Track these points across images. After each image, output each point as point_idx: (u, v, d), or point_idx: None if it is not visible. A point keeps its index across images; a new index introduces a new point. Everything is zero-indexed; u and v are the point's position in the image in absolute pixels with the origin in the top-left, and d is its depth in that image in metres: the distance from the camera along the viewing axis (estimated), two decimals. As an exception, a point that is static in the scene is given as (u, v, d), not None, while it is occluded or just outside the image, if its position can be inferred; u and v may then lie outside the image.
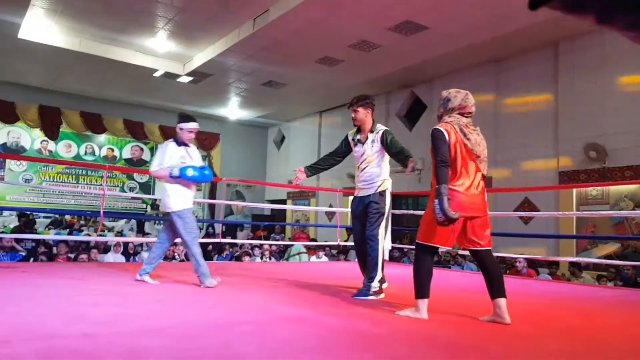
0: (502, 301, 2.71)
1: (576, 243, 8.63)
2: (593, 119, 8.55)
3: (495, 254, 6.66)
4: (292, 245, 8.47)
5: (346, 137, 4.02)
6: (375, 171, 3.72)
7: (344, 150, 4.04)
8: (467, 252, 8.00)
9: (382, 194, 3.68)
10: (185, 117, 3.99)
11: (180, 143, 3.97)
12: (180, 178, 3.76)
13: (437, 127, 2.86)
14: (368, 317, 2.78)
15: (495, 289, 2.75)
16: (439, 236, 2.74)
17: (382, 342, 2.22)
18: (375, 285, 3.54)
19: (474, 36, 8.85)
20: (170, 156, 3.87)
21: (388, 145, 3.69)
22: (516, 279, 6.04)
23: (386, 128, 3.81)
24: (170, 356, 1.82)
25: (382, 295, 3.56)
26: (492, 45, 9.37)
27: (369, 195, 3.71)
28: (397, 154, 3.65)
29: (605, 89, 8.37)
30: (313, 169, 4.13)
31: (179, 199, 3.82)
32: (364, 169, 3.79)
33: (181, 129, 3.93)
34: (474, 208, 2.76)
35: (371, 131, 3.78)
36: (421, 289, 2.77)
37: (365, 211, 3.68)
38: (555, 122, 9.14)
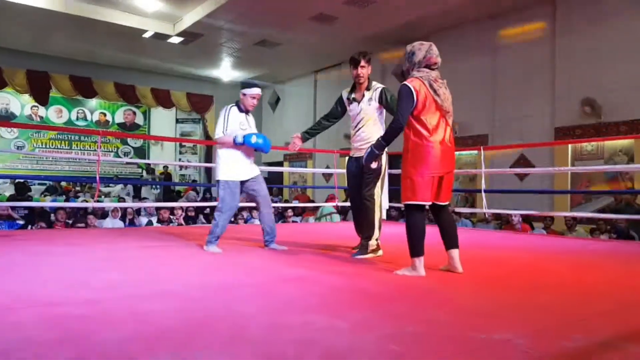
0: (455, 252, 2.91)
1: (570, 198, 8.72)
2: (590, 75, 8.46)
3: (492, 210, 6.73)
4: (323, 206, 8.47)
5: (340, 96, 3.94)
6: (372, 130, 3.64)
7: (339, 110, 3.96)
8: (461, 210, 8.01)
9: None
10: (249, 83, 3.90)
11: (242, 109, 3.89)
12: (244, 144, 3.69)
13: (405, 82, 2.86)
14: (369, 276, 2.81)
15: (450, 241, 2.92)
16: (421, 193, 2.78)
17: (383, 299, 2.26)
18: (372, 243, 3.58)
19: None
20: (232, 121, 3.80)
21: (388, 102, 3.61)
22: (511, 234, 6.13)
23: (384, 86, 3.73)
24: (174, 317, 1.84)
25: (379, 253, 3.60)
26: (488, 1, 9.16)
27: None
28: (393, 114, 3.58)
29: (602, 45, 8.27)
30: (309, 134, 4.08)
31: (227, 169, 3.78)
32: (360, 128, 3.73)
33: (244, 94, 3.85)
34: (448, 163, 2.84)
35: (367, 89, 3.69)
36: (415, 247, 2.82)
37: (361, 172, 3.63)
38: (552, 78, 9.05)
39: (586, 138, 8.22)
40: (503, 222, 8.00)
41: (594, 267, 3.37)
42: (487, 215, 8.01)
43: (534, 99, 9.31)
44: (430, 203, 2.89)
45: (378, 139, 3.05)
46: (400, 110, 2.81)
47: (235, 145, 3.72)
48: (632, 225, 7.03)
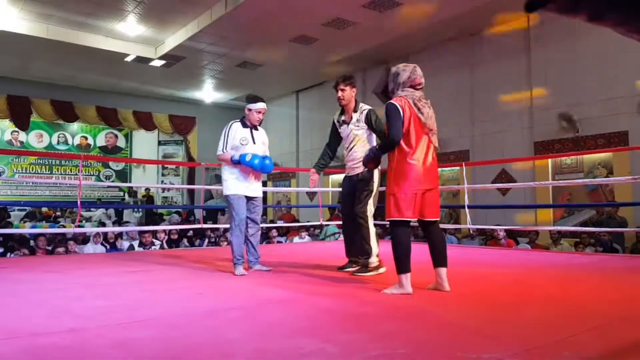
0: (443, 270, 2.92)
1: (553, 212, 8.83)
2: (566, 89, 8.66)
3: (476, 226, 6.78)
4: (328, 225, 8.44)
5: (332, 121, 4.02)
6: (364, 150, 3.69)
7: (335, 136, 4.03)
8: (446, 226, 8.05)
9: (370, 172, 3.68)
10: (254, 98, 3.88)
11: (246, 124, 3.89)
12: (240, 163, 3.70)
13: (391, 101, 2.96)
14: (356, 296, 2.80)
15: (438, 259, 2.94)
16: (405, 209, 2.84)
17: (372, 320, 2.25)
18: (373, 260, 3.61)
19: (448, 10, 8.82)
20: (233, 137, 3.81)
21: (373, 126, 3.72)
22: (496, 250, 6.17)
23: (370, 107, 3.81)
24: (160, 347, 1.80)
25: (382, 270, 3.62)
26: (465, 19, 9.36)
27: (358, 174, 3.75)
28: (381, 139, 3.65)
29: (577, 58, 8.48)
30: (322, 166, 4.15)
31: (230, 185, 3.80)
32: (352, 148, 3.81)
33: (250, 109, 3.84)
34: (430, 180, 2.91)
35: (354, 111, 3.79)
36: (402, 264, 2.83)
37: (354, 190, 3.73)
38: (529, 92, 9.24)
39: (565, 152, 8.38)
40: (488, 238, 8.05)
41: (580, 282, 3.40)
42: (471, 231, 8.07)
43: (512, 113, 9.48)
44: (414, 220, 2.93)
45: (375, 146, 3.26)
46: (393, 129, 2.88)
47: (233, 163, 3.75)
48: (615, 238, 7.13)
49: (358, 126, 3.74)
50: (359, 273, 3.58)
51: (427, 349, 1.76)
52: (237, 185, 3.81)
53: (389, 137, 2.90)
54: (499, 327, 2.08)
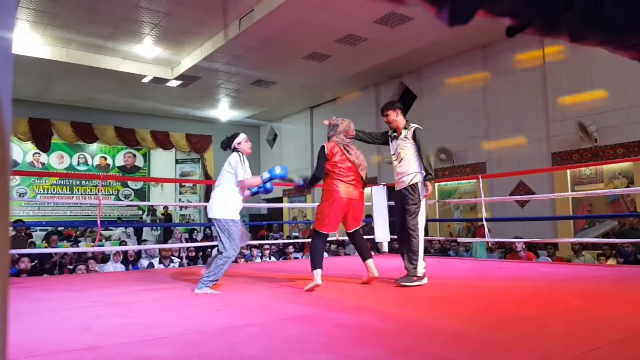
0: (370, 261, 3.87)
1: (574, 223, 8.68)
2: (583, 98, 8.58)
3: (494, 239, 6.70)
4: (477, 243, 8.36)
5: (386, 131, 4.31)
6: (409, 164, 3.97)
7: (383, 137, 4.30)
8: (465, 240, 8.02)
9: (413, 187, 3.91)
10: (235, 134, 4.16)
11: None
12: (272, 179, 3.94)
13: (323, 144, 3.91)
14: (373, 312, 2.78)
15: (364, 254, 3.90)
16: (328, 225, 3.80)
17: (389, 335, 2.23)
18: (419, 270, 3.79)
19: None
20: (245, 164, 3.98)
21: (418, 141, 3.97)
22: (516, 263, 6.07)
23: (418, 126, 4.07)
24: (178, 364, 1.81)
25: (424, 281, 3.80)
26: (478, 31, 9.37)
27: (403, 188, 3.98)
28: (421, 159, 3.94)
29: (594, 67, 8.39)
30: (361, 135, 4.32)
31: (232, 209, 3.82)
32: (400, 162, 4.06)
33: (239, 143, 4.08)
34: (350, 193, 3.85)
35: (405, 128, 4.06)
36: (315, 263, 3.67)
37: (402, 203, 3.98)
38: (545, 103, 9.17)
39: (584, 162, 8.27)
40: (507, 251, 7.95)
41: (602, 294, 3.33)
42: (490, 244, 7.97)
43: (529, 124, 9.41)
44: (333, 233, 3.83)
45: (305, 177, 4.10)
46: (317, 165, 3.87)
47: (263, 182, 3.95)
48: (638, 249, 6.97)
49: (405, 141, 4.01)
50: (404, 282, 3.74)
51: (445, 364, 1.75)
52: (237, 210, 3.85)
53: (314, 173, 3.90)
54: (519, 342, 2.05)
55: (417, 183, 3.93)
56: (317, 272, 3.63)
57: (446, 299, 3.22)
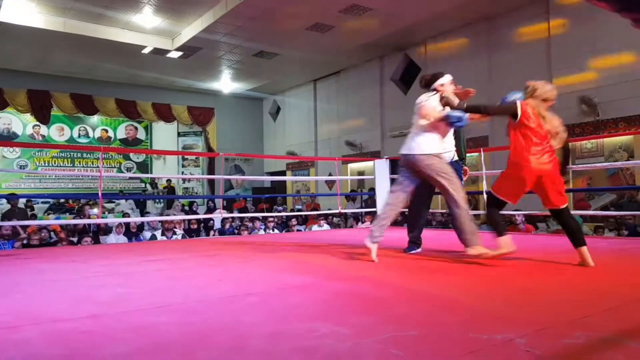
0: (584, 249, 3.22)
1: (573, 196, 8.70)
2: (586, 72, 8.48)
3: (480, 212, 6.67)
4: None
5: None
6: (450, 142, 4.02)
7: None
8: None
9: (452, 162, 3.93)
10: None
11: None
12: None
13: (518, 100, 3.49)
14: (372, 281, 2.82)
15: (576, 238, 3.29)
16: (504, 192, 3.49)
17: (387, 304, 2.26)
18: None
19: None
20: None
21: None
22: (514, 235, 6.10)
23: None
24: (176, 330, 1.85)
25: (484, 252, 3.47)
26: (483, 3, 9.20)
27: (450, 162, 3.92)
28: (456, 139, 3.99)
29: (597, 41, 8.27)
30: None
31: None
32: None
33: (442, 84, 3.84)
34: (542, 164, 3.36)
35: None
36: (498, 229, 3.36)
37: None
38: (548, 76, 9.07)
39: (585, 136, 8.22)
40: (507, 223, 7.98)
41: (599, 265, 3.35)
42: (490, 217, 7.98)
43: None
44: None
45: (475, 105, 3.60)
46: (499, 107, 3.56)
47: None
48: (638, 222, 6.99)
49: None
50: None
51: (439, 330, 1.77)
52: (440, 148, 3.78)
53: (488, 105, 3.61)
54: (513, 310, 2.08)
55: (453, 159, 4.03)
56: (505, 239, 3.31)
57: (444, 269, 3.25)
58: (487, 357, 1.48)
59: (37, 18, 9.95)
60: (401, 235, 4.45)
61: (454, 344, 1.61)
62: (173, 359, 1.53)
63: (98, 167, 15.47)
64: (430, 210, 9.66)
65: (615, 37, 8.05)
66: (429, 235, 5.99)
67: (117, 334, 1.82)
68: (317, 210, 11.66)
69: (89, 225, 7.41)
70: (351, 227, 9.08)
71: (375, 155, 11.65)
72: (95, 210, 7.78)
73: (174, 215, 10.40)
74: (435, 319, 1.96)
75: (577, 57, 8.57)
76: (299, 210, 13.76)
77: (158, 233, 7.64)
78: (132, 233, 7.81)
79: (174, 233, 7.54)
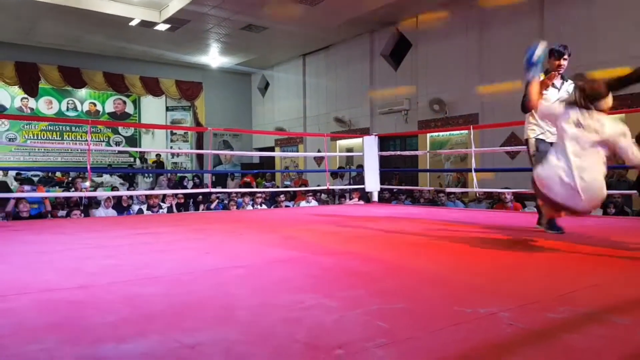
0: None
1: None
2: (580, 49, 8.45)
3: (483, 189, 6.77)
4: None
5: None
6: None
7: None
8: (452, 190, 8.07)
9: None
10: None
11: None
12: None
13: None
14: (359, 256, 2.84)
15: None
16: None
17: (374, 277, 2.29)
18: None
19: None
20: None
21: (575, 99, 3.75)
22: (502, 212, 6.19)
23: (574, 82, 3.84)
24: (163, 301, 1.86)
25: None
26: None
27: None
28: None
29: (592, 18, 8.25)
30: None
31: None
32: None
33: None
34: None
35: (563, 79, 3.93)
36: None
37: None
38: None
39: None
40: (495, 201, 8.06)
41: (585, 243, 3.41)
42: (478, 195, 8.07)
43: (522, 75, 9.31)
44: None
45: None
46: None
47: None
48: (626, 201, 7.09)
49: (566, 94, 3.75)
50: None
51: (424, 303, 1.80)
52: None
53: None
54: (499, 285, 2.12)
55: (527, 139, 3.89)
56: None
57: (431, 245, 3.29)
58: (470, 329, 1.51)
59: (21, -14, 9.69)
60: (387, 211, 4.49)
61: (439, 316, 1.64)
62: (160, 328, 1.54)
63: (86, 140, 15.29)
64: (417, 188, 9.72)
65: (611, 15, 8.02)
66: (416, 212, 6.05)
67: (106, 304, 1.83)
68: (305, 186, 11.68)
69: (80, 198, 7.36)
70: (339, 203, 9.11)
71: (364, 132, 11.62)
72: (88, 184, 7.73)
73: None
74: (422, 292, 1.99)
75: (571, 34, 8.54)
76: (286, 186, 13.78)
77: (145, 207, 7.63)
78: (122, 207, 7.79)
79: (160, 207, 7.53)
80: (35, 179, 13.15)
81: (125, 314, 1.70)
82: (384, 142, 11.73)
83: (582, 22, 8.39)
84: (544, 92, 3.77)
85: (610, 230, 4.12)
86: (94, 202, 7.65)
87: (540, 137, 3.83)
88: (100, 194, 8.18)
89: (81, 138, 15.62)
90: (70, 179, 13.12)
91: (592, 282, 2.19)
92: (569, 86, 3.85)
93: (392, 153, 9.55)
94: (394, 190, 9.54)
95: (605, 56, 8.13)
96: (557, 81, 3.88)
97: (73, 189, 8.75)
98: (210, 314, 1.69)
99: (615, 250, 3.07)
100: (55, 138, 15.36)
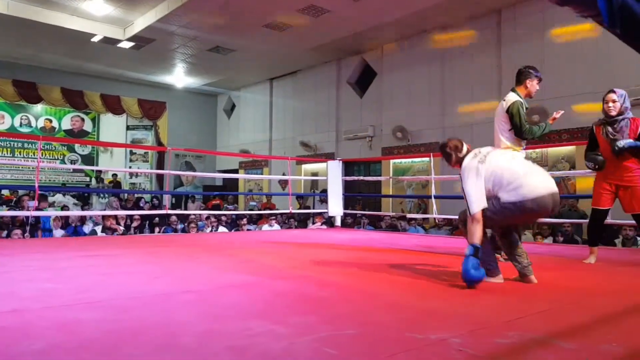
0: None
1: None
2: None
3: (442, 216, 6.81)
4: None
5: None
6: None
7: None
8: (413, 215, 8.14)
9: None
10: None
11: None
12: None
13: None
14: (314, 280, 2.78)
15: None
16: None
17: (327, 303, 2.23)
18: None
19: (423, 1, 8.84)
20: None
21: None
22: (461, 239, 6.23)
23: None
24: (102, 327, 1.74)
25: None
26: (438, 12, 9.40)
27: None
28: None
29: (547, 51, 8.61)
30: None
31: None
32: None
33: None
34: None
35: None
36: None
37: None
38: (498, 85, 9.33)
39: (535, 145, 8.52)
40: (454, 228, 8.16)
41: (538, 270, 3.45)
42: (438, 221, 8.15)
43: (483, 105, 9.59)
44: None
45: None
46: None
47: None
48: (576, 230, 7.31)
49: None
50: None
51: (377, 329, 1.76)
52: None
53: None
54: (451, 310, 2.10)
55: None
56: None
57: (388, 270, 3.26)
58: (419, 356, 1.47)
59: (-23, -2, 9.38)
60: (348, 236, 4.45)
61: (389, 343, 1.59)
62: (93, 356, 1.43)
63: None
64: (379, 213, 9.76)
65: (562, 46, 8.39)
66: (377, 238, 6.04)
67: (38, 330, 1.70)
68: (271, 209, 11.56)
69: (27, 218, 7.00)
70: (303, 227, 9.04)
71: (329, 157, 11.67)
72: (35, 203, 7.34)
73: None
74: (375, 318, 1.94)
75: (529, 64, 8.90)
76: (251, 208, 13.60)
77: (99, 229, 7.33)
78: (71, 227, 7.46)
79: (116, 230, 7.25)
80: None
81: (57, 340, 1.58)
82: (349, 167, 11.79)
83: (535, 59, 8.76)
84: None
85: (560, 258, 4.20)
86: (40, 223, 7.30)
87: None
88: (48, 213, 7.82)
89: (34, 155, 15.02)
90: (18, 197, 12.54)
91: (542, 307, 2.20)
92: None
93: (356, 178, 9.60)
94: (357, 215, 9.55)
95: (553, 65, 8.45)
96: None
97: (19, 208, 8.35)
98: (151, 342, 1.59)
99: (565, 276, 3.12)
100: (6, 155, 14.72)
